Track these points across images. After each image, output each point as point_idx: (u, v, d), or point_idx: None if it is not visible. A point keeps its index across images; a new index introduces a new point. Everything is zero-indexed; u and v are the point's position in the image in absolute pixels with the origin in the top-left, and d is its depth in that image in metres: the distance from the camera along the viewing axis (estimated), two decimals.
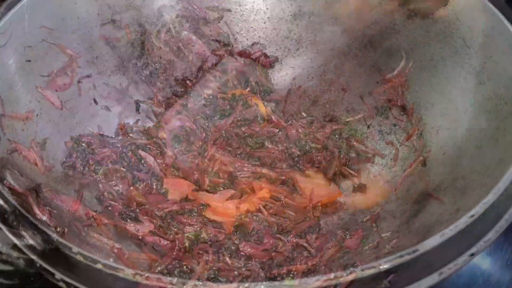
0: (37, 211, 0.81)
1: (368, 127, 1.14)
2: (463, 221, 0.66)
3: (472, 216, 0.66)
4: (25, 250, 0.63)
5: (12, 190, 0.79)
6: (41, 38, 0.98)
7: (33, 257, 0.62)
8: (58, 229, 0.82)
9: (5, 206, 0.72)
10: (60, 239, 0.65)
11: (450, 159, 0.95)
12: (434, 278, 0.62)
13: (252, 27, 1.24)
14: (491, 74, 0.92)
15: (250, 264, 0.87)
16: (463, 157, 0.92)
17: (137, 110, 1.17)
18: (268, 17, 1.23)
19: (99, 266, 0.62)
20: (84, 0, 1.05)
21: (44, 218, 0.81)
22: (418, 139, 1.03)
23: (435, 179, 0.95)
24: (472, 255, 0.63)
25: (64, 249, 0.64)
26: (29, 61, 0.96)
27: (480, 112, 0.92)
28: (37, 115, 0.97)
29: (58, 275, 0.61)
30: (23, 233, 0.68)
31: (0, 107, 0.88)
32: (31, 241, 0.67)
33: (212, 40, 1.23)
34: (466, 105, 0.96)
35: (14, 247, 0.63)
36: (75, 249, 0.63)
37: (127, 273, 0.61)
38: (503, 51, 0.90)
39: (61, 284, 0.62)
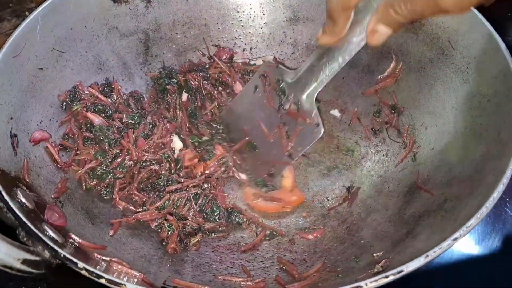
0: None
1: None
2: (446, 244, 0.69)
3: (455, 239, 0.70)
4: (48, 242, 0.68)
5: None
6: (52, 47, 1.04)
7: (57, 248, 0.68)
8: None
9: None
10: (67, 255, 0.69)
11: (438, 154, 1.01)
12: (420, 260, 0.68)
13: (250, 32, 1.30)
14: (475, 74, 0.98)
15: None
16: (450, 152, 0.98)
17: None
18: (265, 23, 1.29)
19: (102, 281, 0.67)
20: (91, 10, 1.11)
21: None
22: (408, 136, 1.10)
23: (424, 172, 1.01)
24: (455, 239, 0.69)
25: (71, 265, 0.68)
26: (41, 69, 1.02)
27: (465, 110, 0.98)
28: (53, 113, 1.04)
29: (81, 264, 0.67)
30: (45, 227, 0.75)
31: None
32: (53, 235, 0.73)
33: (212, 45, 1.30)
34: (452, 103, 1.01)
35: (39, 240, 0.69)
36: (81, 264, 0.67)
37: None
38: (485, 51, 0.95)
39: (83, 272, 0.67)
